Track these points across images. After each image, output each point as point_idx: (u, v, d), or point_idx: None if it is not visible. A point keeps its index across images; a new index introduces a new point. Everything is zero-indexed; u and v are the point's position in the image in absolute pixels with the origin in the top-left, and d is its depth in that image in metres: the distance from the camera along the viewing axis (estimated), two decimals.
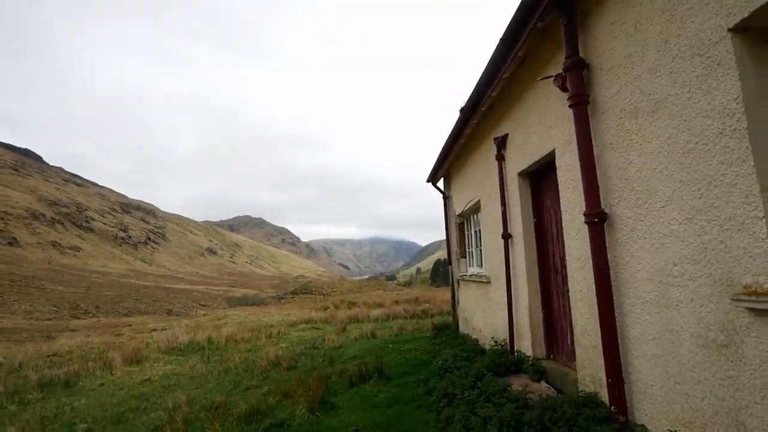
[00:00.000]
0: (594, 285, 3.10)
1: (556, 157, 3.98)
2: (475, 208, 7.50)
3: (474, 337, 7.45)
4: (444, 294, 37.77)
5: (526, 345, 5.01)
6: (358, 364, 7.42)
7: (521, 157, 4.91)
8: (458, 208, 8.50)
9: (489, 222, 6.27)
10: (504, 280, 5.52)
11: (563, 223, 3.89)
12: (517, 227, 5.14)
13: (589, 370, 3.48)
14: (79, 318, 48.55)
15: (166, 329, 25.61)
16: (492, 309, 6.31)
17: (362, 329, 14.29)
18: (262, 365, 8.94)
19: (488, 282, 6.42)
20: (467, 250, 8.55)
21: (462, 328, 8.61)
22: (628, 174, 2.86)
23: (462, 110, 5.86)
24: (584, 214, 3.17)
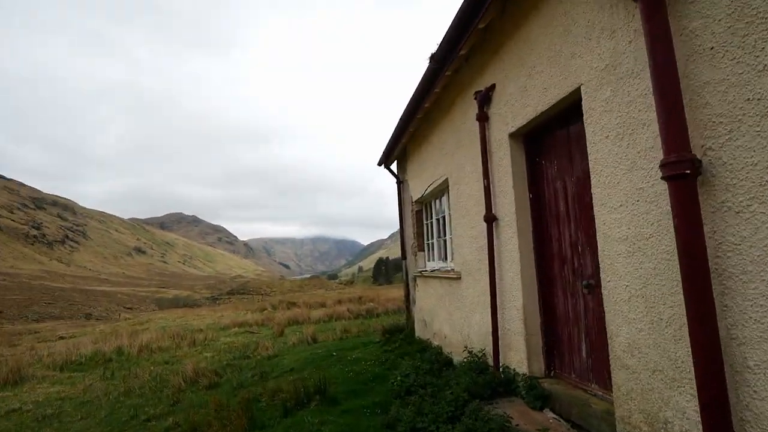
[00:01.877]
0: (661, 277, 1.93)
1: (585, 98, 2.80)
2: (440, 191, 6.29)
3: (436, 344, 6.24)
4: (388, 292, 36.75)
5: (517, 358, 3.83)
6: (296, 380, 5.94)
7: (515, 112, 3.72)
8: (416, 193, 7.27)
9: (462, 203, 5.07)
10: (484, 274, 4.32)
11: (596, 193, 2.72)
12: (505, 206, 3.95)
13: (642, 404, 2.32)
14: None
15: (75, 337, 22.37)
16: (463, 311, 5.11)
17: (302, 333, 12.72)
18: (176, 383, 7.17)
19: (457, 278, 5.21)
20: (426, 242, 7.34)
21: (419, 332, 7.39)
22: (751, 91, 1.70)
23: (433, 58, 4.58)
24: (662, 166, 1.98)
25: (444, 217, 6.29)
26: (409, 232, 7.98)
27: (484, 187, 4.20)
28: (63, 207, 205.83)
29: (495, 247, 4.12)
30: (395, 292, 34.99)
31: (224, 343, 12.58)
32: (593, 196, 2.75)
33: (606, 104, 2.60)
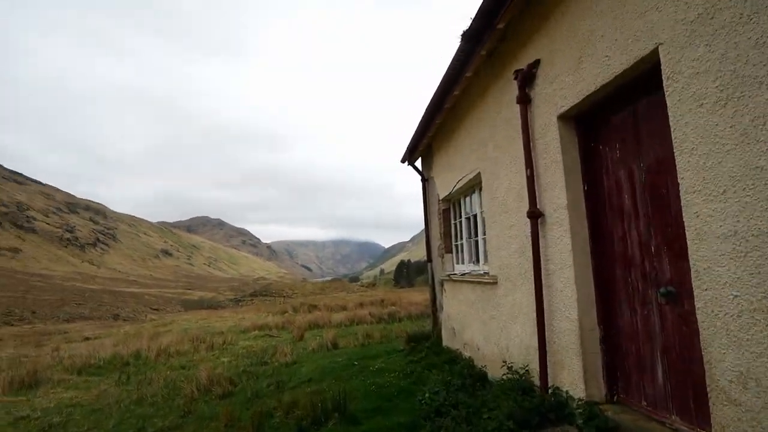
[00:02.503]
0: None
1: (665, 60, 2.24)
2: (471, 187, 5.75)
3: (467, 355, 5.68)
4: (410, 295, 36.12)
5: (570, 379, 3.25)
6: (314, 392, 5.49)
7: (566, 89, 3.17)
8: (443, 191, 6.74)
9: (498, 199, 4.51)
10: (527, 279, 3.77)
11: (685, 178, 2.15)
12: (554, 200, 3.39)
13: None
14: (12, 325, 43.60)
15: (100, 338, 22.63)
16: (500, 320, 4.55)
17: (322, 337, 12.31)
18: (189, 392, 6.82)
19: (493, 283, 4.65)
20: (454, 243, 6.79)
21: (447, 341, 6.83)
22: None
23: (464, 35, 4.05)
24: None
25: (475, 216, 5.74)
26: (435, 232, 7.45)
27: (527, 178, 3.64)
28: (95, 211, 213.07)
29: (541, 248, 3.56)
30: (417, 296, 34.35)
31: (243, 347, 12.27)
32: (681, 182, 2.17)
33: (698, 64, 2.04)
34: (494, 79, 4.44)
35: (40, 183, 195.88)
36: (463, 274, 5.84)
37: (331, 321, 17.41)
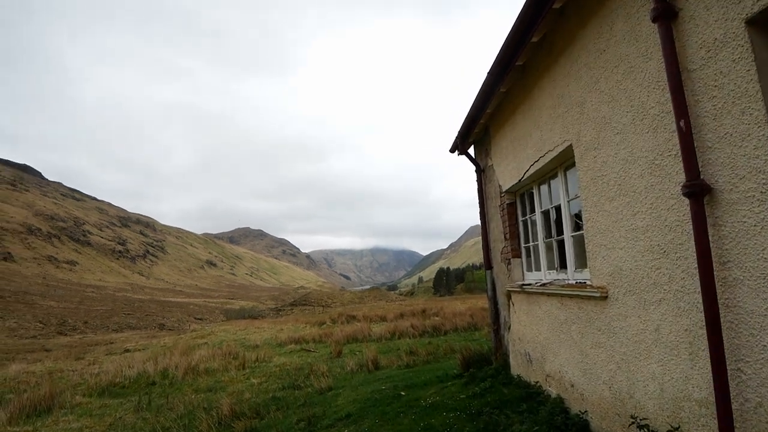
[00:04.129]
0: None
1: None
2: (550, 170, 4.40)
3: (552, 392, 4.28)
4: (452, 305, 34.32)
5: None
6: None
7: None
8: (507, 181, 5.40)
9: (608, 178, 3.15)
10: (676, 292, 2.40)
11: None
12: (739, 164, 2.03)
13: None
14: (66, 335, 45.38)
15: (139, 350, 22.52)
16: (615, 351, 3.16)
17: (362, 354, 11.13)
18: (206, 426, 5.77)
19: (600, 297, 3.27)
20: (523, 246, 5.42)
21: (518, 369, 5.42)
22: None
23: None
24: None
25: (557, 208, 4.37)
26: (497, 233, 6.09)
27: (680, 134, 2.28)
28: (145, 224, 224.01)
29: (711, 243, 2.19)
30: (460, 305, 32.56)
31: (276, 364, 11.26)
32: None
33: None
34: (597, 3, 3.11)
35: (96, 199, 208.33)
36: (543, 285, 4.46)
37: (371, 334, 16.22)
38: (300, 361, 11.48)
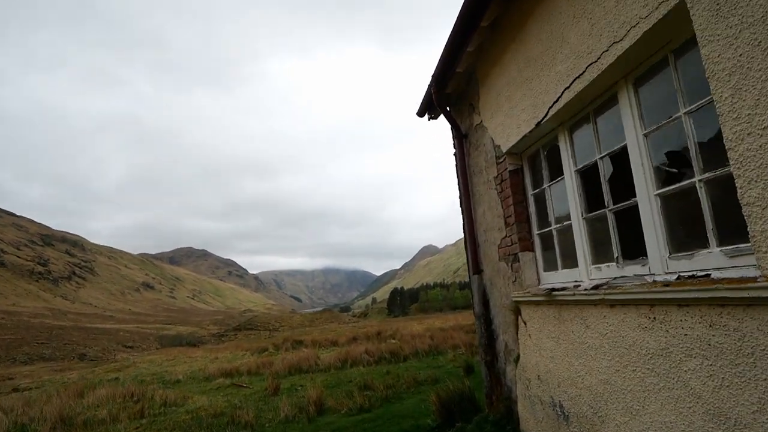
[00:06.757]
0: None
1: None
2: (604, 89, 2.59)
3: None
4: (408, 325, 32.36)
5: None
6: None
7: None
8: (510, 135, 3.60)
9: None
10: None
11: None
12: None
13: None
14: None
15: (33, 388, 18.61)
16: None
17: (304, 390, 8.88)
18: None
19: None
20: (535, 233, 3.59)
21: (536, 427, 3.47)
22: None
23: None
24: None
25: (618, 157, 2.56)
26: (489, 220, 4.23)
27: None
28: (72, 243, 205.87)
29: None
30: (417, 326, 30.64)
31: (189, 410, 8.64)
32: None
33: None
34: None
35: (13, 214, 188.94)
36: (594, 289, 2.58)
37: (318, 363, 13.82)
38: (223, 404, 8.95)
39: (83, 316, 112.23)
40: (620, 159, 2.60)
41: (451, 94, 4.72)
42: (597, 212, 2.78)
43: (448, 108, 4.77)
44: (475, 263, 4.57)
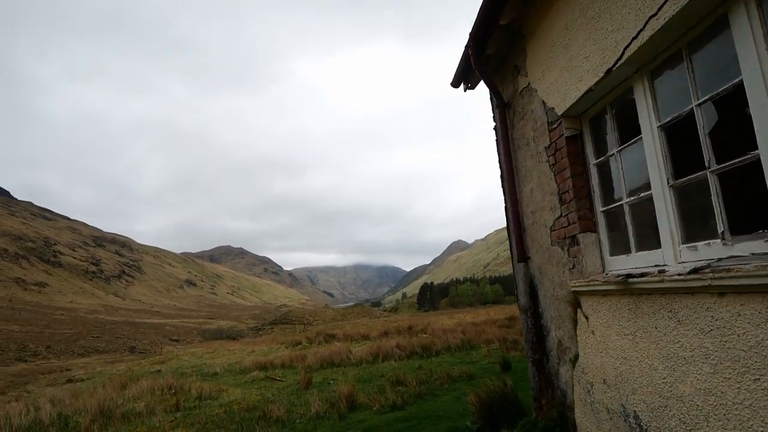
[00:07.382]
0: None
1: None
2: (710, 9, 2.01)
3: None
4: (439, 320, 31.72)
5: None
6: None
7: None
8: (568, 93, 3.04)
9: None
10: None
11: None
12: None
13: None
14: (25, 360, 41.23)
15: (86, 379, 19.42)
16: None
17: (336, 386, 8.57)
18: None
19: None
20: (600, 210, 3.03)
21: None
22: None
23: None
24: None
25: (729, 96, 1.98)
26: (539, 198, 3.68)
27: None
28: (121, 244, 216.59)
29: None
30: (447, 320, 29.96)
31: (223, 403, 8.51)
32: None
33: None
34: None
35: (68, 218, 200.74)
36: (694, 273, 2.01)
37: (350, 357, 13.53)
38: (257, 397, 8.79)
39: (133, 311, 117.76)
40: (726, 103, 2.02)
41: (491, 56, 4.17)
42: (692, 176, 2.19)
43: (487, 74, 4.22)
44: (520, 250, 4.03)
